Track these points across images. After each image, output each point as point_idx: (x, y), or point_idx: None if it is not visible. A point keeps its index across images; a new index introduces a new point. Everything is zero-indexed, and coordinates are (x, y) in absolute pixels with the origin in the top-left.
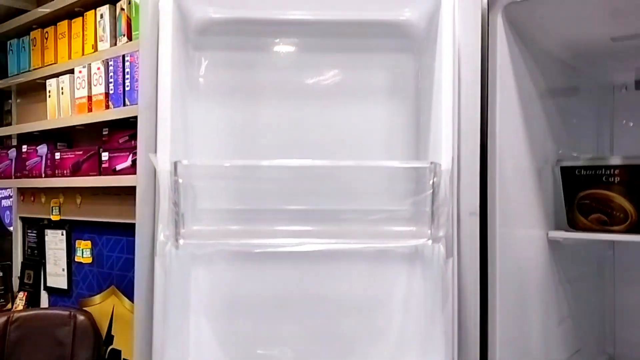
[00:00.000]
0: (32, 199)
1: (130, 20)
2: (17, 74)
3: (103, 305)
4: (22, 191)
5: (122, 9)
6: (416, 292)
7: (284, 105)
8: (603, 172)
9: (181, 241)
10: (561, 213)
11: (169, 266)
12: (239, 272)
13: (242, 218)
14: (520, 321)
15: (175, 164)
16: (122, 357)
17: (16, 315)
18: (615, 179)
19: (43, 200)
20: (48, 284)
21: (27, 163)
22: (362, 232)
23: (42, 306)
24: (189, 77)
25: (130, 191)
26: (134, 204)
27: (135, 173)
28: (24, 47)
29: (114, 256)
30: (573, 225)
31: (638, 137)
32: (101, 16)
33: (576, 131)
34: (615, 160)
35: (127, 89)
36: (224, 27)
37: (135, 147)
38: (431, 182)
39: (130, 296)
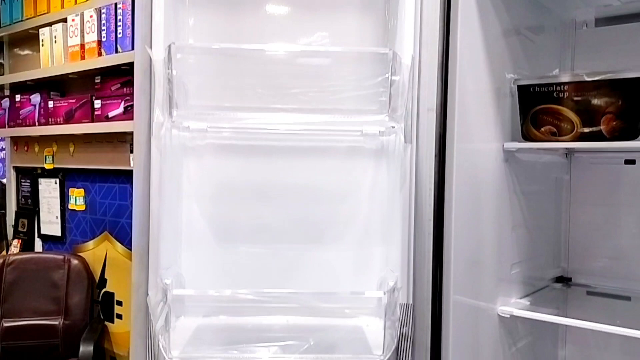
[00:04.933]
0: (26, 148)
1: None
2: (10, 24)
3: (96, 251)
4: (15, 141)
5: None
6: (381, 184)
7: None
8: (554, 89)
9: (174, 113)
10: (517, 129)
11: (164, 150)
12: (224, 164)
13: (227, 108)
14: (474, 214)
15: (169, 47)
16: (116, 298)
17: (12, 257)
18: (565, 94)
19: (36, 149)
20: (42, 232)
21: (20, 112)
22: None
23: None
24: None
25: (122, 138)
26: (126, 151)
27: (127, 119)
28: None
29: (107, 203)
30: (527, 137)
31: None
32: None
33: (539, 61)
34: (565, 78)
35: (119, 36)
36: None
37: (127, 95)
38: (390, 69)
39: (122, 241)
